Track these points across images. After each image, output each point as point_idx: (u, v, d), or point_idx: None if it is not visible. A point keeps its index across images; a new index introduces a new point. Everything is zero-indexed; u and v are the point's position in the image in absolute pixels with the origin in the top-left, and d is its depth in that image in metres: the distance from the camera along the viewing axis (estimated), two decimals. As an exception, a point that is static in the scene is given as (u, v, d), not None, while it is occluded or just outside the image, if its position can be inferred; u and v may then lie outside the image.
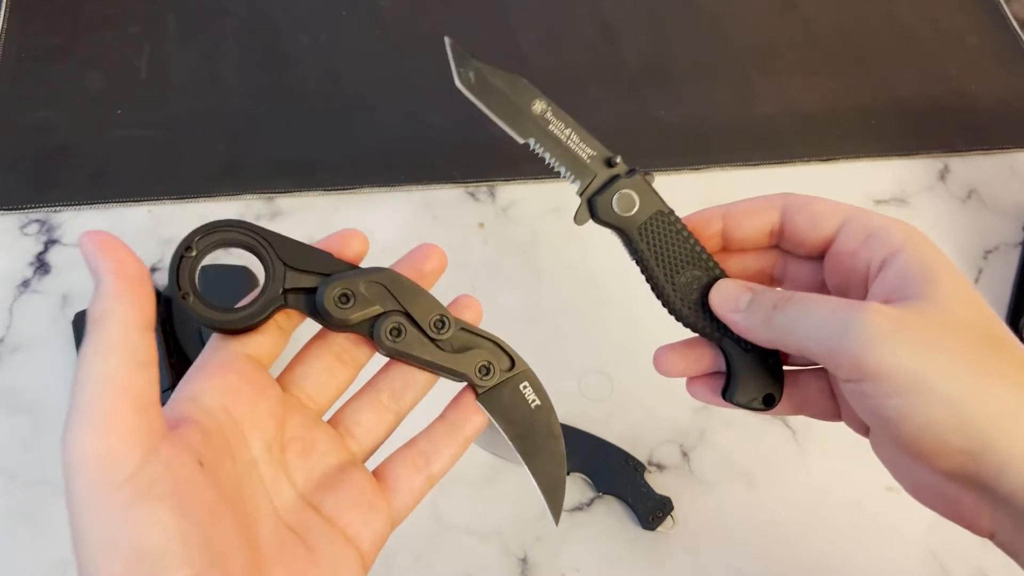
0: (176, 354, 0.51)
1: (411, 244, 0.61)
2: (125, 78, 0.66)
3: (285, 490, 0.30)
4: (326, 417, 0.34)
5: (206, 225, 0.31)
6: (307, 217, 0.61)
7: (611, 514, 0.52)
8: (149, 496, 0.24)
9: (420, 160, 0.64)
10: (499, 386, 0.33)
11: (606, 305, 0.59)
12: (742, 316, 0.34)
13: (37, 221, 0.59)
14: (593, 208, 0.36)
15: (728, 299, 0.34)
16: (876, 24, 0.75)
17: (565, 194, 0.64)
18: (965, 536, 0.32)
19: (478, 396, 0.33)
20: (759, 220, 0.35)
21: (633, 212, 0.36)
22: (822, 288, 0.35)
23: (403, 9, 0.72)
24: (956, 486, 0.30)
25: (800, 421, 0.55)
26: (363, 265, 0.33)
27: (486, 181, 0.63)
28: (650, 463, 0.53)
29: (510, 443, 0.33)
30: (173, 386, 0.49)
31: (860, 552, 0.52)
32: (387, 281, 0.32)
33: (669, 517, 0.50)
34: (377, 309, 0.32)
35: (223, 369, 0.30)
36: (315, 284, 0.31)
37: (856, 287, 0.33)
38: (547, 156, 0.36)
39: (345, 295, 0.31)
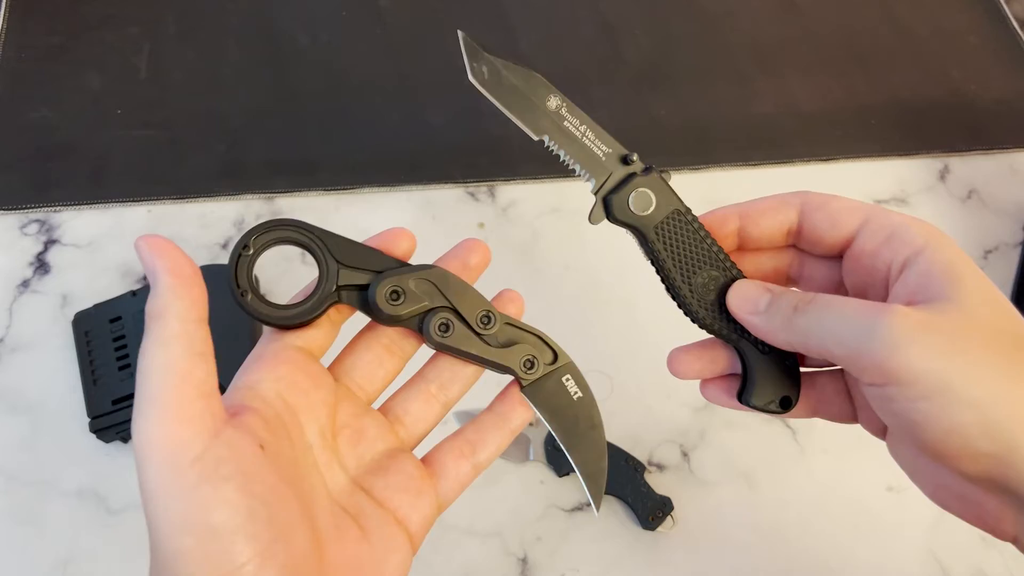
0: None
1: (411, 244, 0.61)
2: (125, 78, 0.66)
3: (338, 474, 0.32)
4: (375, 405, 0.35)
5: (263, 224, 0.32)
6: (307, 217, 0.60)
7: (611, 514, 0.52)
8: (216, 476, 0.26)
9: (420, 160, 0.64)
10: (543, 379, 0.34)
11: (606, 305, 0.59)
12: (761, 318, 0.33)
13: (37, 221, 0.59)
14: (608, 207, 0.35)
15: (747, 300, 0.34)
16: (876, 24, 0.75)
17: (565, 194, 0.65)
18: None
19: (523, 388, 0.34)
20: (776, 219, 0.35)
21: (650, 211, 0.35)
22: (839, 288, 0.35)
23: (403, 9, 0.72)
24: (979, 490, 0.30)
25: (800, 421, 0.55)
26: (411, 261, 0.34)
27: (486, 181, 0.63)
28: (650, 463, 0.53)
29: (553, 433, 0.35)
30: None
31: (860, 552, 0.52)
32: (436, 278, 0.33)
33: (669, 517, 0.50)
34: (426, 305, 0.33)
35: (278, 360, 0.32)
36: (367, 281, 0.33)
37: (876, 287, 0.33)
38: (561, 153, 0.35)
39: (395, 292, 0.32)
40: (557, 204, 0.63)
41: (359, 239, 0.34)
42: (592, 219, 0.36)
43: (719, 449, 0.54)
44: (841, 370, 0.36)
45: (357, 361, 0.34)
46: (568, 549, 0.51)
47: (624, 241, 0.35)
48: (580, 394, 0.35)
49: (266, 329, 0.33)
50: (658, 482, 0.52)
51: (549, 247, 0.61)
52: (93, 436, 0.49)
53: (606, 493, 0.51)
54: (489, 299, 0.35)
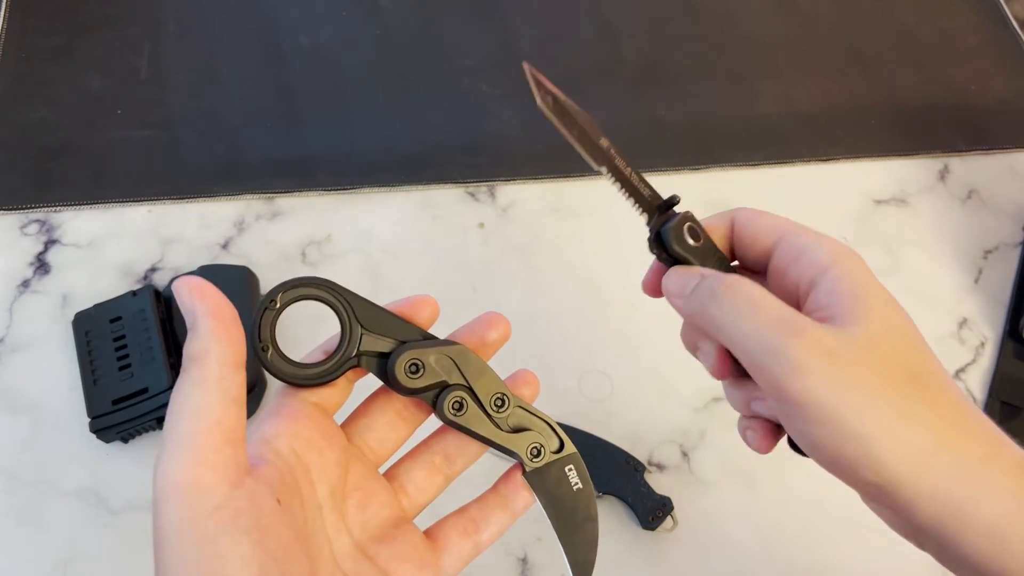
0: (176, 354, 0.51)
1: (411, 244, 0.61)
2: (125, 78, 0.66)
3: (344, 538, 0.31)
4: (381, 470, 0.35)
5: (290, 281, 0.32)
6: (307, 217, 0.61)
7: (611, 514, 0.52)
8: (234, 527, 0.25)
9: (420, 160, 0.64)
10: (546, 466, 0.34)
11: (606, 305, 0.59)
12: (684, 301, 0.33)
13: (37, 221, 0.59)
14: (666, 236, 0.35)
15: (677, 283, 0.33)
16: (876, 24, 0.75)
17: (565, 194, 0.65)
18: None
19: (525, 473, 0.34)
20: (716, 232, 0.35)
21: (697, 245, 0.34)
22: None
23: (403, 9, 0.72)
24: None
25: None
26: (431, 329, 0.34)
27: (486, 181, 0.63)
28: (650, 463, 0.53)
29: (549, 520, 0.34)
30: (171, 387, 0.49)
31: (860, 552, 0.52)
32: (456, 355, 0.33)
33: (669, 517, 0.50)
34: (443, 381, 0.33)
35: (296, 416, 0.31)
36: (388, 349, 0.33)
37: (792, 305, 0.32)
38: (617, 187, 0.35)
39: (415, 365, 0.32)
40: (557, 204, 0.63)
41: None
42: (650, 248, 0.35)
43: (719, 449, 0.54)
44: None
45: (371, 424, 0.34)
46: (568, 549, 0.51)
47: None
48: (580, 485, 0.35)
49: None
50: (658, 482, 0.52)
51: (549, 247, 0.61)
52: (93, 436, 0.49)
53: (606, 493, 0.51)
54: (505, 376, 0.34)
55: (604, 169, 0.35)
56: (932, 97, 0.71)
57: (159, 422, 0.50)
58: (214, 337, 0.27)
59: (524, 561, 0.50)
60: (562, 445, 0.35)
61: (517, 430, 0.34)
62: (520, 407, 0.34)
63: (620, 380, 0.56)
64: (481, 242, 0.61)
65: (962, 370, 0.59)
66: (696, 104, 0.69)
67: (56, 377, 0.53)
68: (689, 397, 0.56)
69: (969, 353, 0.60)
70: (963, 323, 0.61)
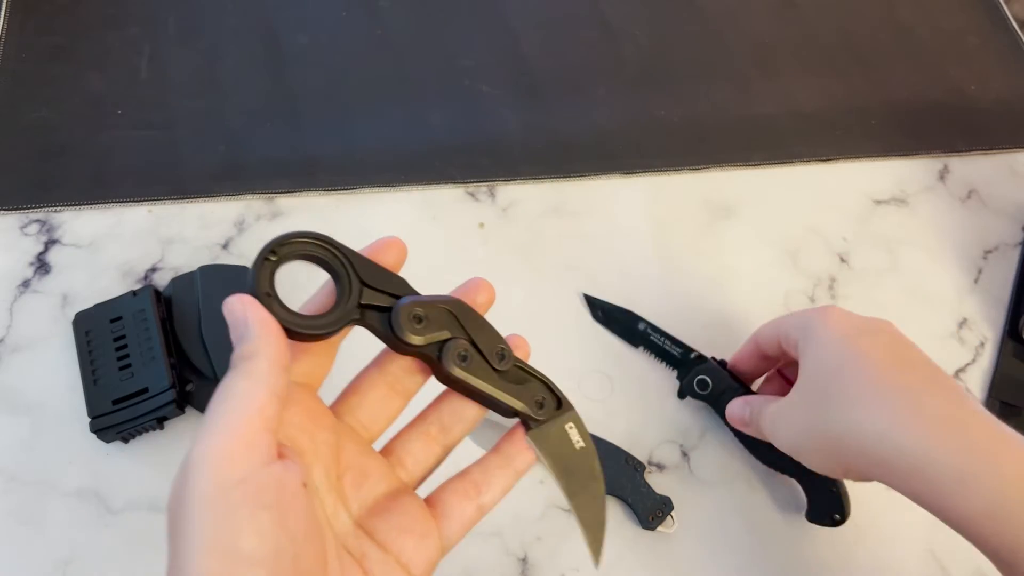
0: (176, 354, 0.51)
1: (411, 244, 0.61)
2: (125, 78, 0.66)
3: (342, 516, 0.32)
4: (376, 446, 0.35)
5: (289, 234, 0.31)
6: (307, 217, 0.61)
7: (611, 514, 0.52)
8: (255, 503, 0.26)
9: (420, 160, 0.64)
10: (547, 425, 0.34)
11: (606, 305, 0.59)
12: (748, 429, 0.49)
13: (37, 221, 0.59)
14: (684, 390, 0.54)
15: (736, 416, 0.50)
16: (876, 24, 0.75)
17: (565, 194, 0.65)
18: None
19: (528, 431, 0.34)
20: (748, 352, 0.51)
21: (709, 391, 0.53)
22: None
23: (403, 9, 0.72)
24: None
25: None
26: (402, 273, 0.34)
27: (486, 181, 0.63)
28: (650, 463, 0.53)
29: (555, 479, 0.34)
30: (173, 385, 0.49)
31: (860, 552, 0.52)
32: (455, 309, 0.33)
33: (669, 517, 0.50)
34: (446, 334, 0.33)
35: (286, 402, 0.31)
36: (388, 303, 0.32)
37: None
38: (651, 354, 0.56)
39: (419, 316, 0.32)
40: (557, 204, 0.63)
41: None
42: (679, 395, 0.55)
43: (719, 449, 0.54)
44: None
45: (362, 400, 0.34)
46: (568, 549, 0.51)
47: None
48: (582, 443, 0.34)
49: None
50: (658, 482, 0.52)
51: (549, 247, 0.61)
52: (93, 436, 0.49)
53: (606, 493, 0.51)
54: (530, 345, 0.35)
55: (641, 347, 0.56)
56: (932, 97, 0.71)
57: (159, 422, 0.50)
58: (264, 340, 0.28)
59: (524, 561, 0.50)
60: (560, 403, 0.35)
61: (519, 385, 0.34)
62: (517, 365, 0.34)
63: (620, 380, 0.56)
64: (481, 242, 0.61)
65: (962, 370, 0.59)
66: (696, 104, 0.69)
67: (56, 377, 0.53)
68: (689, 397, 0.56)
69: (969, 353, 0.60)
70: (963, 323, 0.61)
